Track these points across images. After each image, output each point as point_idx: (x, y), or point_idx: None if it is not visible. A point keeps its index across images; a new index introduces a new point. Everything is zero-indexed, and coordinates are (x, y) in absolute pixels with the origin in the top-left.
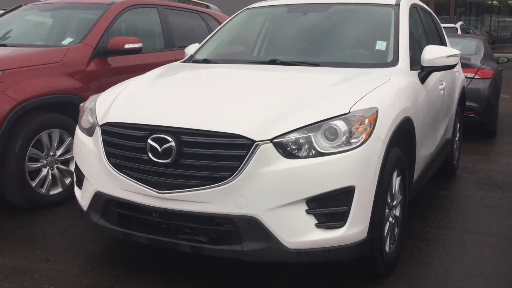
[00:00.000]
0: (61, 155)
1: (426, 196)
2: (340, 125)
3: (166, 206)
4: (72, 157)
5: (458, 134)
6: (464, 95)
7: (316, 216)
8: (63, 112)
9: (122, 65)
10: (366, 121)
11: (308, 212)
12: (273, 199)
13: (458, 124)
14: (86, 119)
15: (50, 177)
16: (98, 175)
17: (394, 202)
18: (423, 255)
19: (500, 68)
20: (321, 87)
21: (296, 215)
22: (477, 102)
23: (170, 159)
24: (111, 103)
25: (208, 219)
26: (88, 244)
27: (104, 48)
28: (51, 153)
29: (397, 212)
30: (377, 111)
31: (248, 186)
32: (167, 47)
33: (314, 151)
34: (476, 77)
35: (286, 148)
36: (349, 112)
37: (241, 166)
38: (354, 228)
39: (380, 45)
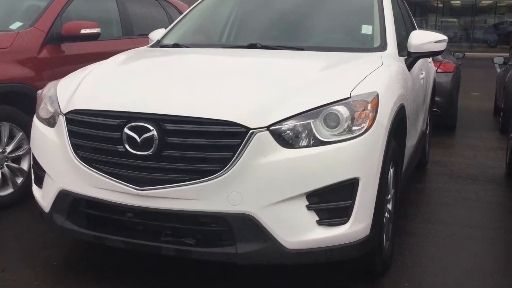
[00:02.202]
0: (11, 152)
1: (402, 190)
2: (342, 110)
3: (145, 204)
4: (24, 154)
5: (428, 127)
6: (435, 87)
7: (317, 212)
8: (13, 103)
9: (77, 52)
10: (369, 106)
11: (308, 207)
12: (271, 194)
13: (429, 117)
14: (45, 108)
15: None
16: (63, 171)
17: (389, 196)
18: (415, 252)
19: (460, 63)
20: (314, 71)
21: (295, 212)
22: (440, 96)
23: (151, 150)
24: (75, 89)
25: (196, 218)
26: (48, 249)
27: (57, 34)
28: (0, 150)
29: (390, 207)
30: (378, 96)
31: (242, 180)
32: (125, 35)
33: (314, 140)
34: (438, 70)
35: (284, 137)
36: (350, 96)
37: (234, 157)
38: (358, 224)
39: (366, 29)
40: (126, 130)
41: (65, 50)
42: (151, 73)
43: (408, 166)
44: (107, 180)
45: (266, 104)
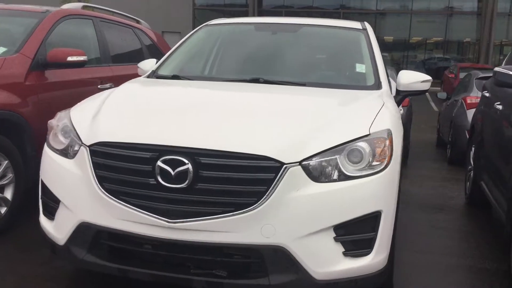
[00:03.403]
0: None
1: None
2: (365, 146)
3: (177, 237)
4: (8, 183)
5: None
6: None
7: (344, 243)
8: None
9: (61, 79)
10: (387, 143)
11: (336, 239)
12: (302, 227)
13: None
14: (57, 139)
15: None
16: (85, 202)
17: None
18: (407, 281)
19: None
20: (330, 108)
21: (324, 244)
22: None
23: (185, 183)
24: (93, 120)
25: (227, 250)
26: (49, 282)
27: (42, 60)
28: None
29: None
30: (391, 133)
31: (275, 213)
32: (104, 62)
33: (341, 174)
34: None
35: (314, 171)
36: (370, 133)
37: (268, 191)
38: (379, 255)
39: (360, 67)
40: (159, 163)
41: (49, 77)
42: (172, 106)
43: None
44: (136, 212)
45: (297, 140)
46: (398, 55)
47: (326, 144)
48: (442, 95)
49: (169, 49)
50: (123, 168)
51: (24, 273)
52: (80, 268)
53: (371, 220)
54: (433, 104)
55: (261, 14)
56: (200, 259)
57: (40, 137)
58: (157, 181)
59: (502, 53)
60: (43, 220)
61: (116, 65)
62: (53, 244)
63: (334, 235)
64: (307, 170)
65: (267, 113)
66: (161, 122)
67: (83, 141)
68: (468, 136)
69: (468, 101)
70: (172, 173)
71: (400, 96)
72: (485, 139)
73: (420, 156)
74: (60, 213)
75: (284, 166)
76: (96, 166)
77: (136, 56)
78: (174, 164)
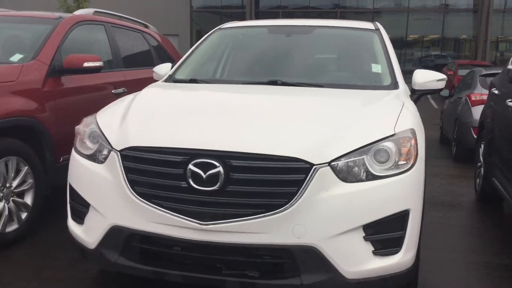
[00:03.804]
0: (16, 187)
1: None
2: (391, 146)
3: (209, 238)
4: (28, 189)
5: None
6: None
7: (373, 243)
8: (19, 137)
9: (76, 85)
10: (413, 142)
11: (365, 239)
12: (332, 226)
13: None
14: (84, 145)
15: (6, 212)
16: (116, 206)
17: None
18: (429, 279)
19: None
20: (353, 109)
21: (354, 243)
22: None
23: (216, 186)
24: (120, 126)
25: (259, 251)
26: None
27: (59, 66)
28: (7, 185)
29: None
30: (415, 132)
31: (306, 213)
32: (116, 67)
33: (369, 174)
34: None
35: (342, 172)
36: (395, 133)
37: (299, 192)
38: (408, 254)
39: (376, 68)
40: (191, 166)
41: (66, 83)
42: (198, 109)
43: None
44: (168, 215)
45: (324, 141)
46: (396, 53)
47: (353, 145)
48: (445, 92)
49: (177, 53)
50: (154, 172)
51: (49, 278)
52: (105, 271)
53: (400, 219)
54: (433, 102)
55: (258, 15)
56: (232, 260)
57: (58, 143)
58: (189, 184)
59: (498, 50)
60: (71, 224)
61: (128, 70)
62: (82, 248)
63: (364, 234)
64: (336, 170)
65: (293, 115)
66: (190, 125)
67: (113, 146)
68: (473, 133)
69: (473, 98)
70: (204, 176)
71: (416, 96)
72: (497, 136)
73: (426, 153)
74: (90, 217)
75: (314, 167)
76: (128, 170)
77: (146, 61)
78: (205, 167)
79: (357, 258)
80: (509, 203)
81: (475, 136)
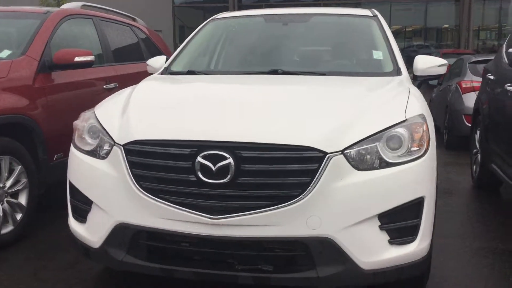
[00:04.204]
0: (10, 187)
1: None
2: (404, 132)
3: (220, 233)
4: (22, 189)
5: None
6: None
7: (389, 232)
8: (11, 135)
9: (67, 80)
10: (424, 127)
11: (381, 228)
12: (348, 216)
13: None
14: (85, 141)
15: (1, 213)
16: (121, 203)
17: None
18: (440, 266)
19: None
20: (361, 96)
21: (370, 233)
22: None
23: (227, 178)
24: (121, 119)
25: (273, 244)
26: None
27: (49, 62)
28: (0, 185)
29: None
30: (425, 117)
31: (320, 204)
32: (106, 62)
33: (382, 162)
34: None
35: (356, 160)
36: (406, 119)
37: (313, 182)
38: (423, 242)
39: (377, 54)
40: (199, 159)
41: (56, 79)
42: (202, 101)
43: None
44: (176, 210)
45: (336, 128)
46: None
47: (365, 132)
48: (434, 81)
49: (166, 46)
50: (161, 165)
51: (48, 279)
52: (106, 271)
53: (415, 207)
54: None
55: (241, 9)
56: (245, 255)
57: (51, 141)
58: (198, 177)
59: (479, 38)
60: (73, 223)
61: (118, 65)
62: (86, 247)
63: (379, 223)
64: (349, 158)
65: (301, 103)
66: (196, 117)
67: (116, 141)
68: (465, 121)
69: (464, 86)
70: (213, 168)
71: (418, 81)
72: (495, 122)
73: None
74: (93, 215)
75: (327, 155)
76: (132, 165)
77: (136, 55)
78: (214, 159)
79: (373, 248)
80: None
81: (467, 123)
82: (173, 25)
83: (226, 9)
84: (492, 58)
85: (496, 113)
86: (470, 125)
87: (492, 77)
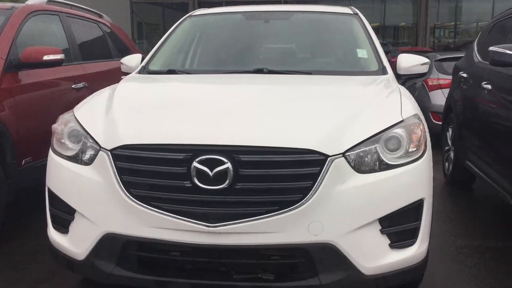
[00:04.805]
0: None
1: None
2: (402, 133)
3: (217, 241)
4: None
5: None
6: None
7: (389, 235)
8: None
9: (36, 80)
10: (421, 127)
11: (382, 232)
12: (350, 221)
13: None
14: (65, 146)
15: None
16: (109, 212)
17: None
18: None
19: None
20: (355, 96)
21: (371, 237)
22: None
23: (225, 184)
24: (108, 122)
25: (274, 252)
26: None
27: (16, 60)
28: None
29: None
30: (420, 118)
31: (322, 209)
32: (74, 60)
33: (382, 164)
34: None
35: (356, 162)
36: (403, 119)
37: (314, 186)
38: (423, 244)
39: (361, 53)
40: (195, 164)
41: (24, 78)
42: (192, 102)
43: None
44: (170, 218)
45: (335, 131)
46: None
47: (365, 133)
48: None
49: (132, 43)
50: (153, 171)
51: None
52: (86, 283)
53: (415, 209)
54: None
55: (201, 6)
56: (244, 264)
57: (20, 144)
58: (193, 183)
59: (435, 36)
60: (53, 234)
61: (86, 63)
62: (69, 259)
63: (380, 227)
64: (350, 161)
65: (296, 105)
66: (189, 119)
67: (102, 146)
68: (432, 118)
69: (430, 83)
70: (210, 174)
71: (401, 80)
72: (470, 119)
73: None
74: (76, 224)
75: (329, 158)
76: (121, 171)
77: (104, 52)
78: (211, 164)
79: (374, 253)
80: (488, 186)
81: (434, 121)
82: (131, 21)
83: (185, 6)
84: (457, 56)
85: (472, 110)
86: (437, 122)
87: (465, 75)
